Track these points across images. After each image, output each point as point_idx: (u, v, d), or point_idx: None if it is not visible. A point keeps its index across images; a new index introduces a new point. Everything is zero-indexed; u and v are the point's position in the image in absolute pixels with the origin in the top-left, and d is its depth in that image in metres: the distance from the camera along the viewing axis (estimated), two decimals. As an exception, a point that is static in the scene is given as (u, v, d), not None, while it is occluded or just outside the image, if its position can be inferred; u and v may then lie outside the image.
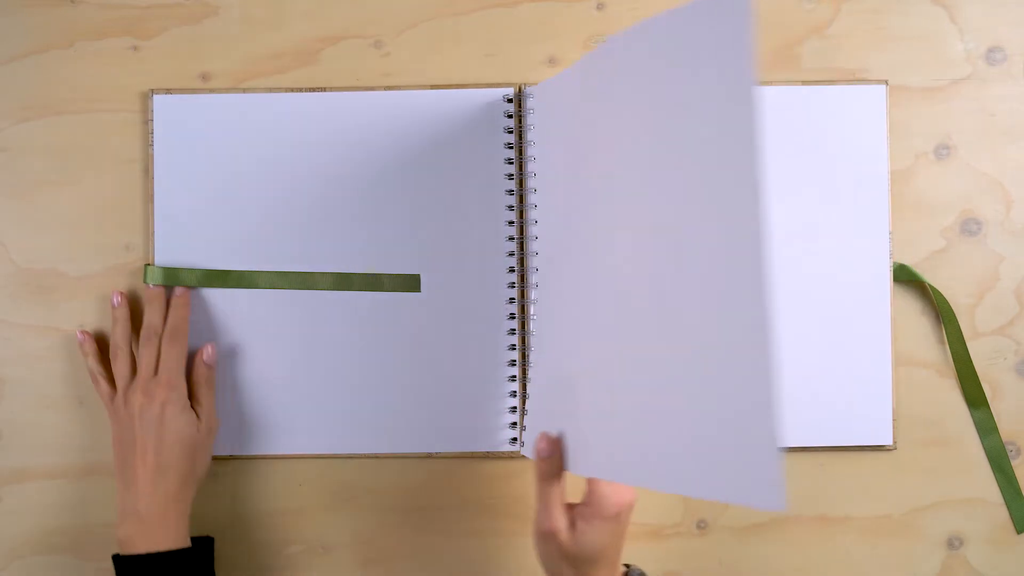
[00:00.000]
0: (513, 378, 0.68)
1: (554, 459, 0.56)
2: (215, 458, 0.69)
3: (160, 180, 0.68)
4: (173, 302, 0.67)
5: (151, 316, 0.66)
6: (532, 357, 0.67)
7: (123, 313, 0.67)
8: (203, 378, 0.66)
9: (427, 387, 0.68)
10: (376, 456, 0.69)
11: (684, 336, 0.47)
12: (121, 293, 0.67)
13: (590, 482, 0.56)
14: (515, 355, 0.68)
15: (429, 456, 0.69)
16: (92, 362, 0.67)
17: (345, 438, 0.69)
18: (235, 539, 0.69)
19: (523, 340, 0.68)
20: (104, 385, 0.66)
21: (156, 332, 0.65)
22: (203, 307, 0.68)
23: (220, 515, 0.69)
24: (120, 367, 0.65)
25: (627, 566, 0.59)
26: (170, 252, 0.68)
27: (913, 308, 0.70)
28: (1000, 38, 0.70)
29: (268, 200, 0.69)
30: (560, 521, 0.55)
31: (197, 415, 0.65)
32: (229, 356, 0.68)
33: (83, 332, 0.67)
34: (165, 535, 0.61)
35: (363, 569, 0.70)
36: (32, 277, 0.69)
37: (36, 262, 0.69)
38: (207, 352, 0.67)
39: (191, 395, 0.66)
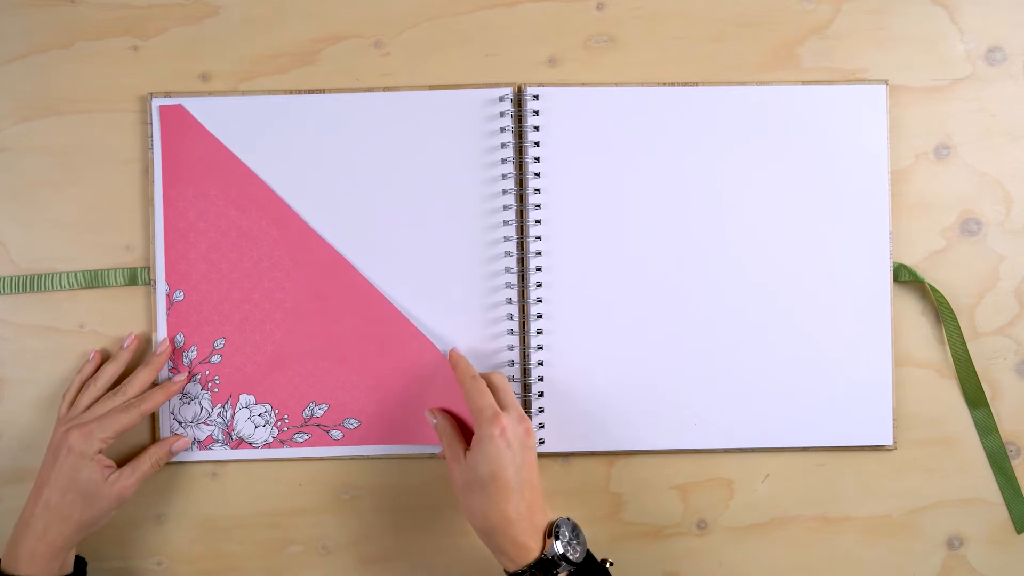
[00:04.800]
0: (513, 378, 0.68)
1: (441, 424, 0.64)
2: (215, 462, 0.69)
3: (160, 182, 0.68)
4: (168, 383, 0.67)
5: (142, 377, 0.66)
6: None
7: (125, 357, 0.67)
8: (156, 458, 0.66)
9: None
10: (376, 456, 0.69)
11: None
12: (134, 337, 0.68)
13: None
14: (515, 355, 0.68)
15: (429, 456, 0.70)
16: (78, 378, 0.67)
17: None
18: (235, 539, 0.69)
19: (523, 340, 0.68)
20: (64, 404, 0.66)
21: (129, 395, 0.65)
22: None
23: (220, 515, 0.69)
24: (82, 399, 0.65)
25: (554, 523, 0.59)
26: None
27: (913, 308, 0.70)
28: (1000, 38, 0.70)
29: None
30: (458, 453, 0.61)
31: (113, 474, 0.63)
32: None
33: (96, 353, 0.68)
34: (49, 568, 0.61)
35: (363, 569, 0.70)
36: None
37: (36, 262, 0.69)
38: (179, 444, 0.67)
39: (128, 457, 0.65)
